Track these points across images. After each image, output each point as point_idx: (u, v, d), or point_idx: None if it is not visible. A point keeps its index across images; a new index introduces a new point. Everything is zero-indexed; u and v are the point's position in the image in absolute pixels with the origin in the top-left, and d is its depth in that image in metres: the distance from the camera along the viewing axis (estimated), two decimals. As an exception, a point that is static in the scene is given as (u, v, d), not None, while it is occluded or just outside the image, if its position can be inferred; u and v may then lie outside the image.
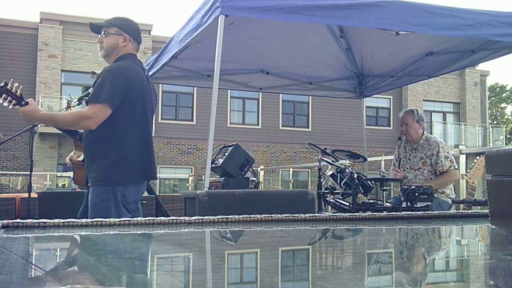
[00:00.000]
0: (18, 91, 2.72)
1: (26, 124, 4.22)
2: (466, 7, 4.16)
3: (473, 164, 5.25)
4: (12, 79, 2.78)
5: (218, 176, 4.85)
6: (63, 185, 15.58)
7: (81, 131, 3.05)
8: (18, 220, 1.43)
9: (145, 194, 5.75)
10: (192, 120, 20.10)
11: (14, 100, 2.71)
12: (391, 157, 5.03)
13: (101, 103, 2.74)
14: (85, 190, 4.31)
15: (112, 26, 2.97)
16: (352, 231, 1.67)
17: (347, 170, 4.18)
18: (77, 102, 4.33)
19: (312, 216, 1.73)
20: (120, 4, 77.78)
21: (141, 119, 2.90)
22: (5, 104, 2.72)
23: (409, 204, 3.76)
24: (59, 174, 16.17)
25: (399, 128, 4.74)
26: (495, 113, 42.16)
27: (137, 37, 3.04)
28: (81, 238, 1.40)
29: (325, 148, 4.92)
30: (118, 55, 2.97)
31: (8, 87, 2.70)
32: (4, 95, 2.69)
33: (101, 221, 1.51)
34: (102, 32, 2.97)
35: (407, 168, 4.50)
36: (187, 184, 14.17)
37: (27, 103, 2.73)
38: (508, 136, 36.08)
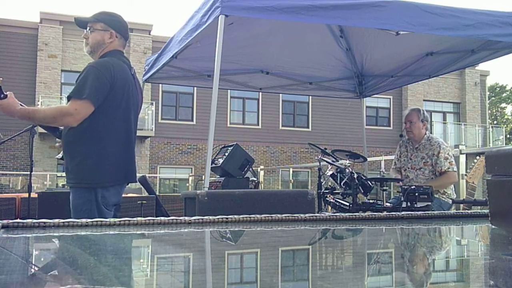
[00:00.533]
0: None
1: (26, 124, 4.22)
2: (466, 7, 4.16)
3: (473, 164, 5.25)
4: None
5: (218, 176, 4.85)
6: (63, 185, 15.57)
7: (61, 128, 2.87)
8: (18, 220, 1.43)
9: (145, 194, 5.76)
10: (192, 120, 20.10)
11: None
12: (391, 157, 5.04)
13: (83, 99, 2.59)
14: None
15: (98, 22, 2.84)
16: (352, 231, 1.67)
17: (347, 170, 4.18)
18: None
19: (312, 216, 1.73)
20: (120, 4, 77.78)
21: (124, 118, 2.76)
22: None
23: (409, 204, 3.76)
24: (59, 174, 16.17)
25: (401, 126, 4.75)
26: (495, 113, 42.17)
27: (124, 33, 2.91)
28: (81, 238, 1.40)
29: (325, 148, 4.92)
30: (104, 51, 2.84)
31: None
32: None
33: (101, 221, 1.51)
34: (88, 28, 2.85)
35: (409, 168, 4.51)
36: (187, 184, 14.17)
37: (6, 96, 2.58)
38: (508, 136, 36.08)
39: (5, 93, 2.59)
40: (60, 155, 2.92)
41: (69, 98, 2.68)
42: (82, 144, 2.68)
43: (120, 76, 2.73)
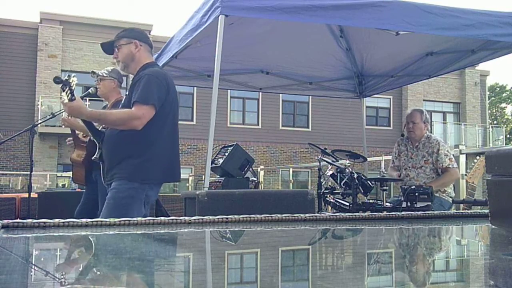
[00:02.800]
0: (74, 86, 2.77)
1: (26, 124, 4.22)
2: (466, 7, 4.17)
3: (473, 164, 5.25)
4: (73, 74, 2.85)
5: (218, 176, 4.85)
6: (63, 185, 15.59)
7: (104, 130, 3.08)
8: (18, 220, 1.43)
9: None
10: (192, 120, 20.10)
11: (70, 95, 2.73)
12: (391, 157, 5.03)
13: (149, 105, 2.80)
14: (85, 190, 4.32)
15: (120, 39, 3.04)
16: (352, 231, 1.67)
17: (347, 170, 4.18)
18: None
19: (312, 216, 1.73)
20: (120, 4, 77.80)
21: (173, 123, 2.98)
22: (65, 98, 2.74)
23: (409, 204, 3.76)
24: (59, 174, 16.19)
25: (400, 126, 4.78)
26: (495, 113, 42.16)
27: (147, 40, 3.11)
28: (81, 238, 1.40)
29: (325, 148, 4.91)
30: (138, 63, 3.03)
31: (71, 82, 2.75)
32: (67, 88, 2.73)
33: (101, 221, 1.51)
34: (115, 48, 3.05)
35: (409, 167, 4.51)
36: (187, 184, 14.16)
37: (74, 99, 2.76)
38: (508, 136, 36.08)
39: (73, 96, 2.73)
40: (97, 155, 3.03)
41: (133, 104, 2.83)
42: (134, 145, 2.85)
43: (171, 85, 2.97)
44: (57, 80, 2.81)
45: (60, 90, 2.83)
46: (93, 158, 3.08)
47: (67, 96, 2.73)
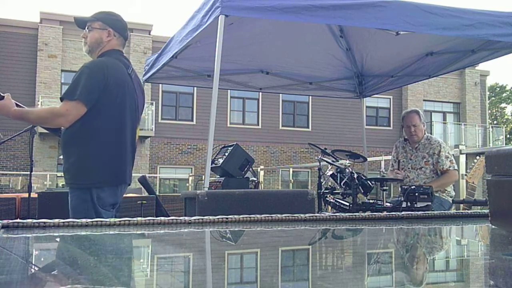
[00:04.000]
0: None
1: (26, 124, 4.22)
2: (466, 7, 4.17)
3: (473, 164, 5.26)
4: None
5: (218, 176, 4.85)
6: (63, 185, 15.58)
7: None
8: (18, 220, 1.43)
9: (145, 194, 5.76)
10: (192, 120, 20.10)
11: None
12: (391, 157, 5.04)
13: (75, 100, 2.60)
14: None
15: (96, 21, 2.85)
16: (352, 231, 1.67)
17: (347, 170, 4.17)
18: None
19: (312, 216, 1.73)
20: (120, 4, 77.80)
21: (120, 119, 2.74)
22: None
23: (409, 204, 3.76)
24: (59, 174, 16.17)
25: (400, 129, 4.78)
26: (495, 113, 42.17)
27: (123, 32, 2.90)
28: (81, 238, 1.40)
29: (325, 148, 4.91)
30: (102, 50, 2.84)
31: None
32: None
33: (101, 221, 1.51)
34: (86, 27, 2.86)
35: (409, 168, 4.52)
36: (187, 184, 14.17)
37: (2, 98, 2.63)
38: (508, 136, 36.09)
39: (2, 94, 2.64)
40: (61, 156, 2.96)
41: (61, 99, 2.69)
42: (76, 144, 2.69)
43: (115, 76, 2.72)
44: None
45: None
46: (60, 157, 3.01)
47: None
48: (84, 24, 2.88)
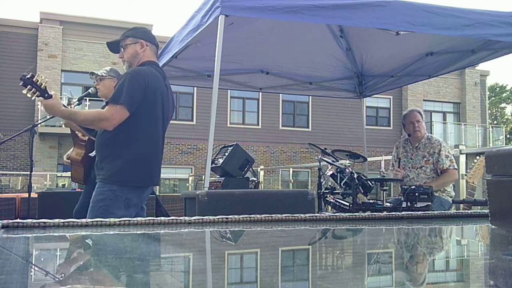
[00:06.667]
0: (43, 83, 2.80)
1: (26, 124, 4.22)
2: (466, 7, 4.16)
3: (473, 164, 5.25)
4: (38, 73, 2.89)
5: (218, 176, 4.85)
6: (63, 185, 15.59)
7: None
8: (18, 220, 1.43)
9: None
10: (192, 120, 20.10)
11: (37, 92, 2.79)
12: (391, 157, 5.04)
13: (120, 104, 2.76)
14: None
15: (126, 38, 3.03)
16: (352, 231, 1.67)
17: (347, 170, 4.17)
18: (77, 102, 4.33)
19: (312, 216, 1.73)
20: (120, 4, 77.81)
21: (155, 126, 2.94)
22: (28, 95, 2.80)
23: (409, 204, 3.76)
24: (59, 174, 16.17)
25: (401, 126, 4.80)
26: (495, 113, 42.16)
27: (153, 40, 3.08)
28: (81, 238, 1.40)
29: (325, 148, 4.91)
30: (139, 62, 3.01)
31: (34, 79, 2.79)
32: (29, 86, 2.78)
33: (101, 221, 1.51)
34: (121, 47, 3.04)
35: (409, 167, 4.52)
36: (187, 184, 14.16)
37: (50, 96, 2.80)
38: (508, 136, 36.07)
39: (50, 93, 2.82)
40: (93, 153, 3.08)
41: (107, 103, 2.84)
42: (116, 145, 2.84)
43: (153, 84, 2.89)
44: (22, 78, 2.83)
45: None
46: (89, 154, 3.11)
47: (32, 95, 2.79)
48: (118, 48, 3.06)
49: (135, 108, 2.80)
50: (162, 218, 1.59)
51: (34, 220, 1.45)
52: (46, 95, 2.80)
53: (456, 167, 4.46)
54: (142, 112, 2.83)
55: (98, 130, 2.97)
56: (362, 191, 4.13)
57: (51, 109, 2.81)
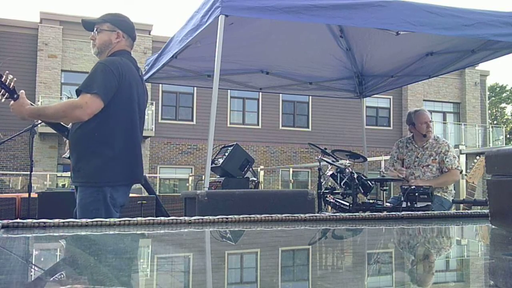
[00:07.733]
0: (12, 83, 2.59)
1: (26, 124, 4.22)
2: (466, 7, 4.17)
3: (473, 164, 5.25)
4: (7, 71, 2.64)
5: (218, 176, 4.85)
6: (63, 185, 15.59)
7: (69, 126, 2.86)
8: (18, 220, 1.43)
9: (145, 194, 5.76)
10: (192, 120, 20.10)
11: (6, 93, 2.59)
12: (389, 159, 5.03)
13: (93, 94, 2.57)
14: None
15: (104, 22, 2.85)
16: (352, 231, 1.67)
17: (347, 170, 4.17)
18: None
19: (312, 216, 1.73)
20: (120, 4, 77.81)
21: (132, 118, 2.75)
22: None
23: (409, 204, 3.76)
24: (59, 174, 16.19)
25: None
26: (495, 113, 42.17)
27: (131, 33, 2.90)
28: (81, 238, 1.40)
29: (325, 148, 4.91)
30: (111, 52, 2.83)
31: (2, 79, 2.58)
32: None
33: (101, 221, 1.51)
34: (95, 29, 2.86)
35: (415, 166, 4.54)
36: (187, 184, 14.17)
37: (18, 97, 2.60)
38: (508, 136, 36.09)
39: (17, 93, 2.61)
40: (67, 154, 2.88)
41: (78, 92, 2.65)
42: (91, 142, 2.65)
43: (128, 75, 2.72)
44: None
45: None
46: (63, 156, 2.94)
47: (0, 95, 2.58)
48: (92, 26, 2.88)
49: (109, 99, 2.62)
50: (162, 218, 1.59)
51: (34, 220, 1.45)
52: (15, 95, 2.59)
53: (460, 168, 4.52)
54: (117, 106, 2.66)
55: (71, 128, 2.75)
56: (362, 191, 4.14)
57: (17, 110, 2.61)
